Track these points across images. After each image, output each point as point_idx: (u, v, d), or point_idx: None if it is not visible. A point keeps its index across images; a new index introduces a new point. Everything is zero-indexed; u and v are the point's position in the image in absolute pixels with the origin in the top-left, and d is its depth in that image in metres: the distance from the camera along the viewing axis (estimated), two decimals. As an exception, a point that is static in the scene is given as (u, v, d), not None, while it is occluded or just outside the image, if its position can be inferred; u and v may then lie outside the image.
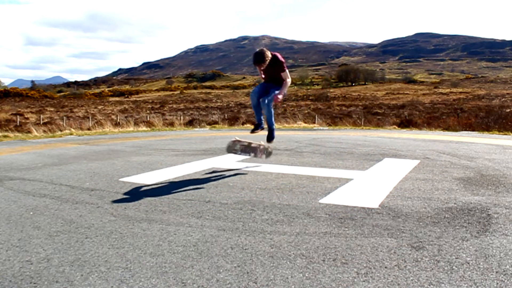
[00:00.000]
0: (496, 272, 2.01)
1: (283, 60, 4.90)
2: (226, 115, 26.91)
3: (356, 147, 7.71)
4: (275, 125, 5.43)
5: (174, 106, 49.88)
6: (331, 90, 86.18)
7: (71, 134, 13.49)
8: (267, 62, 4.84)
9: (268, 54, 4.86)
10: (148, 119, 21.55)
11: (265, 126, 5.28)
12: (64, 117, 22.62)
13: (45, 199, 3.62)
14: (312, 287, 1.87)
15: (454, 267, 2.07)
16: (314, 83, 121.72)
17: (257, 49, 4.88)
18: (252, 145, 5.20)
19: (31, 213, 3.17)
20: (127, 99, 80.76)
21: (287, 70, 4.98)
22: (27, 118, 24.97)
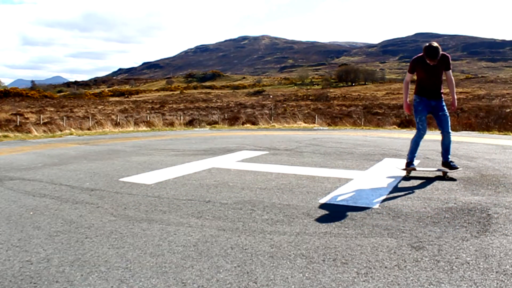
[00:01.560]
0: (496, 272, 2.01)
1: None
2: (226, 115, 26.87)
3: (356, 147, 7.71)
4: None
5: (174, 106, 49.84)
6: (331, 90, 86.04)
7: (71, 134, 13.48)
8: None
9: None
10: (148, 119, 21.53)
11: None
12: (64, 117, 22.59)
13: (45, 199, 3.62)
14: (312, 287, 1.87)
15: (454, 267, 2.07)
16: (314, 83, 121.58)
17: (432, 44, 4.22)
18: None
19: (31, 213, 3.18)
20: (127, 99, 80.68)
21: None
22: (27, 118, 24.94)
